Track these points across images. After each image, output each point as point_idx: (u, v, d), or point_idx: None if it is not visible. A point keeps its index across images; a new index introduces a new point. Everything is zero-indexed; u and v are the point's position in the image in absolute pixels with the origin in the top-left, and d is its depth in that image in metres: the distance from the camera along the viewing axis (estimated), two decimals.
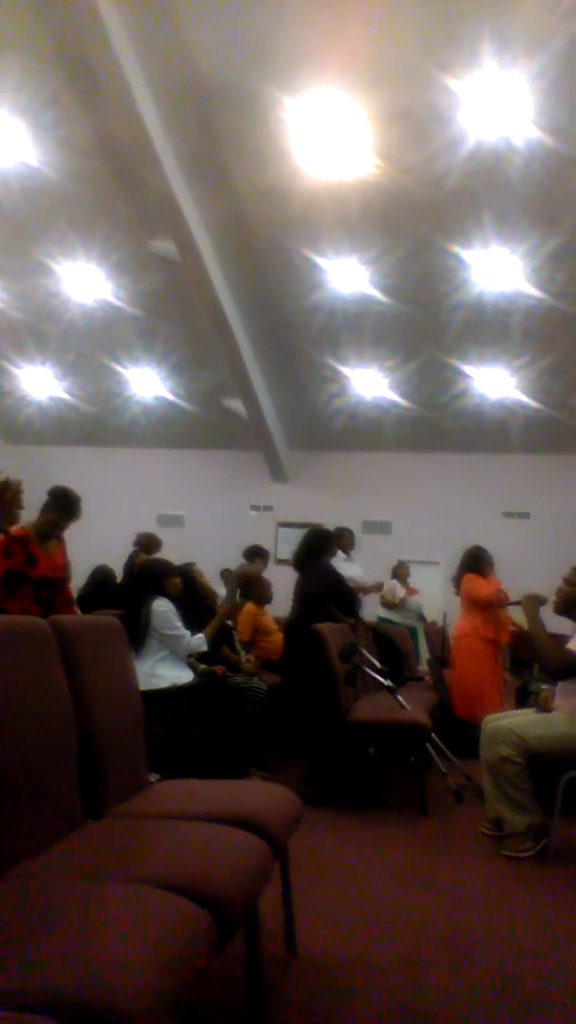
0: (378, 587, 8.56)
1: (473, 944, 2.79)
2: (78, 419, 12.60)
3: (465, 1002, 2.39)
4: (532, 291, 8.73)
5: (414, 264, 8.69)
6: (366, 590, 7.92)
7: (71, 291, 9.94)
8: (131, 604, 4.91)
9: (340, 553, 7.07)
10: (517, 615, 5.55)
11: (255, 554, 7.46)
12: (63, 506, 4.63)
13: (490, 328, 9.45)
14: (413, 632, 8.73)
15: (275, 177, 7.82)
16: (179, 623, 4.81)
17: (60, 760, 2.15)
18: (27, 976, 1.32)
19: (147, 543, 7.67)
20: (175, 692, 4.64)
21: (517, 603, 4.52)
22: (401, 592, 9.09)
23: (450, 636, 7.76)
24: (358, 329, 9.84)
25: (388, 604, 9.01)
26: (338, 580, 5.85)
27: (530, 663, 7.25)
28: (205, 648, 5.02)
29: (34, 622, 2.31)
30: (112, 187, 8.37)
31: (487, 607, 6.44)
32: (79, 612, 5.43)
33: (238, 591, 6.45)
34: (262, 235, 8.72)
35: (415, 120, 7.04)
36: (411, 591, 9.18)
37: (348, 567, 7.15)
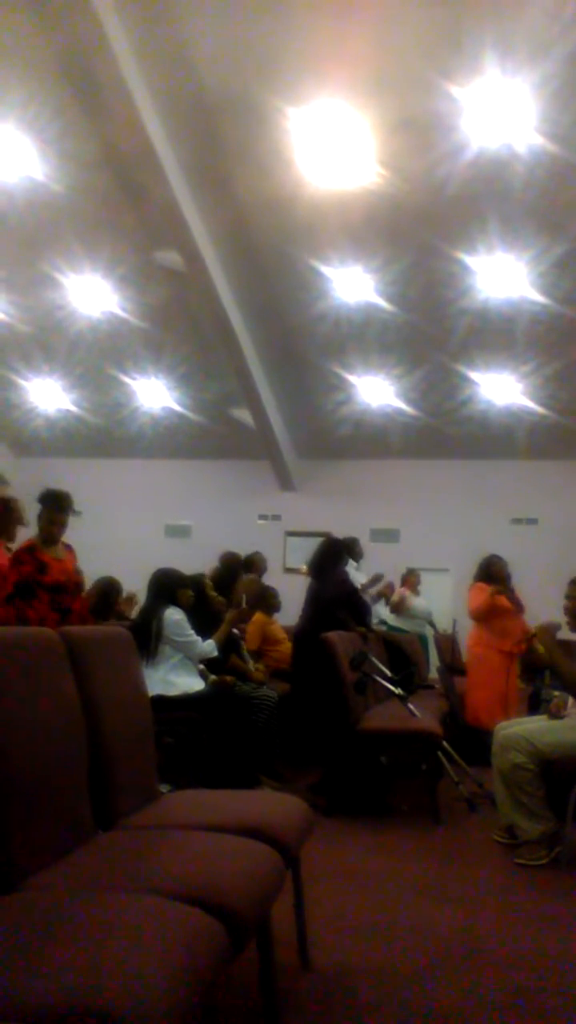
0: (388, 589, 8.55)
1: (486, 953, 2.77)
2: (86, 431, 12.63)
3: (478, 1011, 2.37)
4: (537, 297, 8.73)
5: (419, 272, 8.70)
6: (373, 593, 7.94)
7: (78, 303, 9.98)
8: (144, 613, 4.95)
9: (352, 562, 7.07)
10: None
11: (249, 566, 7.15)
12: (52, 503, 4.61)
13: (496, 335, 9.44)
14: (423, 640, 8.71)
15: (279, 187, 7.85)
16: (190, 630, 4.86)
17: (71, 771, 2.15)
18: (41, 987, 1.32)
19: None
20: (185, 702, 4.64)
21: (533, 636, 4.52)
22: (406, 592, 9.09)
23: (460, 644, 7.74)
24: (364, 337, 9.85)
25: (396, 609, 9.00)
26: (352, 589, 5.91)
27: (541, 670, 7.22)
28: (215, 654, 5.04)
29: (45, 633, 2.31)
30: (117, 199, 8.41)
31: (477, 618, 6.42)
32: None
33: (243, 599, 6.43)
34: (267, 245, 8.75)
35: (418, 128, 7.06)
36: (410, 583, 9.18)
37: (358, 576, 7.15)
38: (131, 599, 7.81)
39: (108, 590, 7.02)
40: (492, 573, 6.56)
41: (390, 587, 8.72)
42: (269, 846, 2.13)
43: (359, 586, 7.23)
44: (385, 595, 8.68)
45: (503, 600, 6.42)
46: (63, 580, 4.44)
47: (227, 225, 8.53)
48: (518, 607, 6.50)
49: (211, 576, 6.40)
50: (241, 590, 6.20)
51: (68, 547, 4.71)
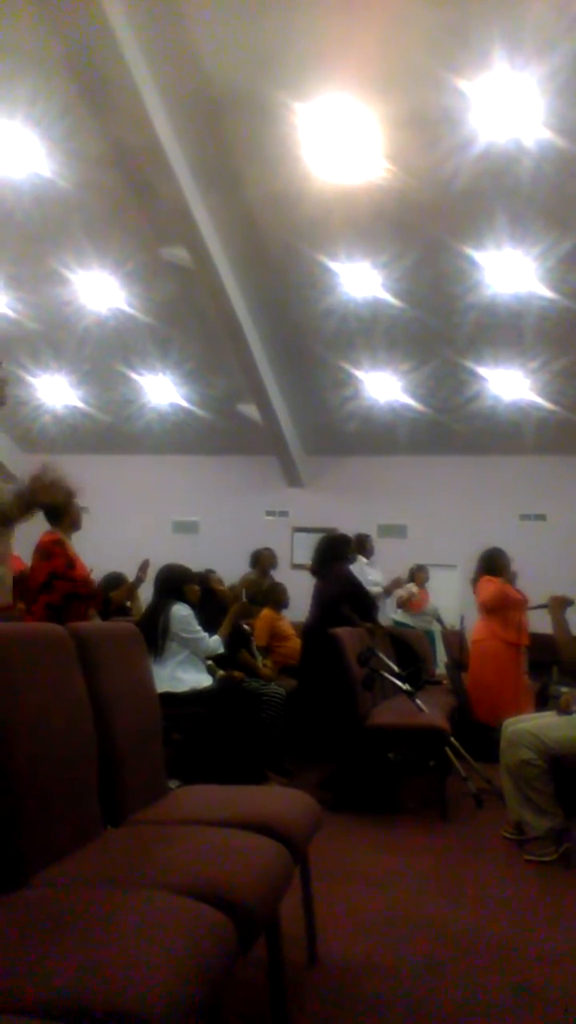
0: (396, 585, 8.55)
1: (495, 949, 2.77)
2: (93, 427, 12.64)
3: (486, 1007, 2.38)
4: (546, 292, 8.70)
5: (426, 267, 8.68)
6: (387, 590, 7.95)
7: (85, 300, 9.99)
8: (151, 610, 4.97)
9: (361, 558, 7.08)
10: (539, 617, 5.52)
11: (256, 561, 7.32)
12: (53, 510, 4.54)
13: (504, 330, 9.41)
14: (430, 636, 8.71)
15: (286, 182, 7.83)
16: (197, 626, 4.87)
17: (80, 767, 2.16)
18: (49, 982, 1.32)
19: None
20: (194, 697, 4.65)
21: (543, 606, 4.52)
22: (415, 589, 9.08)
23: (468, 639, 7.74)
24: (371, 333, 9.83)
25: (403, 605, 9.00)
26: (355, 585, 5.87)
27: (550, 666, 7.21)
28: (222, 650, 5.05)
29: (53, 629, 2.32)
30: (125, 196, 8.41)
31: (490, 610, 6.41)
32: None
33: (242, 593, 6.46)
34: (274, 241, 8.73)
35: (425, 123, 7.04)
36: (423, 596, 9.17)
37: (371, 572, 7.15)
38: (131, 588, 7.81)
39: (114, 586, 7.03)
40: (495, 566, 6.55)
41: (397, 584, 8.75)
42: (277, 842, 2.13)
43: (381, 589, 7.24)
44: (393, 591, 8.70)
45: (513, 591, 6.42)
46: (87, 577, 4.45)
47: (234, 221, 8.52)
48: (523, 599, 6.50)
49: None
50: (241, 585, 6.22)
51: None
